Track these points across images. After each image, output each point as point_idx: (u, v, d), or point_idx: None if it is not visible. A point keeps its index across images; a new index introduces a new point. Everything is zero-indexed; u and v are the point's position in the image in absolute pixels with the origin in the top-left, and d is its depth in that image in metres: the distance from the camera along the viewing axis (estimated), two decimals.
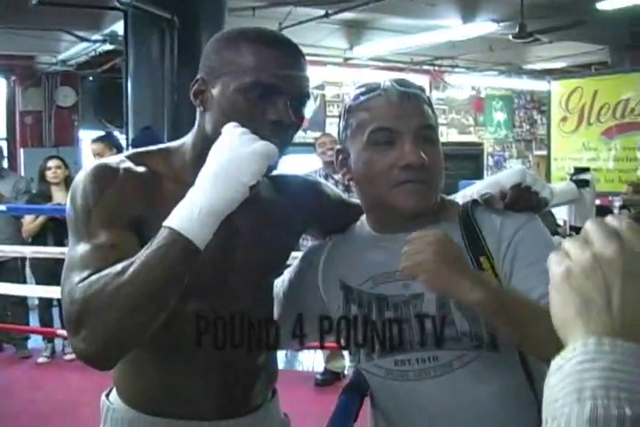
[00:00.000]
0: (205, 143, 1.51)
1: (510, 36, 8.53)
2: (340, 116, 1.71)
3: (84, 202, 1.50)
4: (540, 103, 14.74)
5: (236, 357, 1.63)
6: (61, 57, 10.31)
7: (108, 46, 9.22)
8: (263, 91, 1.48)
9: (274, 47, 1.51)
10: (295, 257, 1.93)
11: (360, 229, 1.77)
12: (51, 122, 11.15)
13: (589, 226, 0.80)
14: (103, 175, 1.52)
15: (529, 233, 1.60)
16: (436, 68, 12.94)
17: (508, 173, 1.74)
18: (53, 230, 6.43)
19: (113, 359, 1.42)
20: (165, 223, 1.36)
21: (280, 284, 1.87)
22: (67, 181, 6.49)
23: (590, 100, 10.40)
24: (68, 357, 6.30)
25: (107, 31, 8.65)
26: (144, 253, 1.36)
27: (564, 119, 10.79)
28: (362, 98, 1.63)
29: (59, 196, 6.45)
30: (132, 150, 1.69)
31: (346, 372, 5.60)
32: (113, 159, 1.59)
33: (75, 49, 9.76)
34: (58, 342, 6.62)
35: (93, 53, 9.77)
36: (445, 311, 1.58)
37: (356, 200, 1.85)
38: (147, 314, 1.37)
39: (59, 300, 6.23)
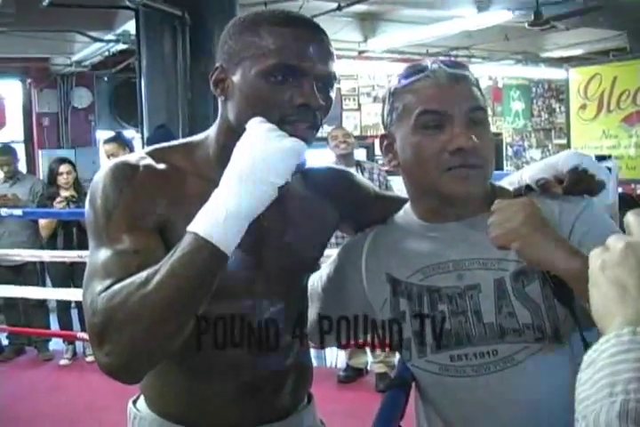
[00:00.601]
0: (229, 135, 1.46)
1: (526, 24, 8.41)
2: (383, 101, 1.64)
3: (103, 204, 1.43)
4: (559, 91, 14.59)
5: (263, 359, 1.58)
6: (75, 58, 10.32)
7: (122, 46, 9.21)
8: (287, 73, 1.40)
9: (294, 26, 1.43)
10: (328, 255, 1.84)
11: (405, 218, 1.70)
12: (67, 123, 11.19)
13: (629, 217, 0.78)
14: (123, 174, 1.46)
15: (590, 217, 1.55)
16: (452, 58, 12.84)
17: (564, 156, 1.65)
18: (64, 233, 6.42)
19: (140, 373, 1.36)
20: (190, 228, 1.29)
21: (317, 280, 1.79)
22: (74, 184, 6.51)
23: (610, 86, 10.28)
24: (90, 358, 6.29)
25: (119, 31, 8.64)
26: (168, 261, 1.28)
27: (584, 107, 10.67)
28: (408, 80, 1.57)
29: (65, 194, 6.47)
30: (151, 147, 1.62)
31: (369, 368, 5.56)
32: (132, 156, 1.53)
33: (89, 50, 9.76)
34: (79, 344, 6.61)
35: (107, 53, 9.77)
36: (505, 302, 1.52)
37: (389, 192, 1.78)
38: (174, 325, 1.30)
39: (77, 302, 6.26)
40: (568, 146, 11.11)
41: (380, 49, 10.91)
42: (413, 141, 1.53)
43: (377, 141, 1.61)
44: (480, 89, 1.59)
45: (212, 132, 1.56)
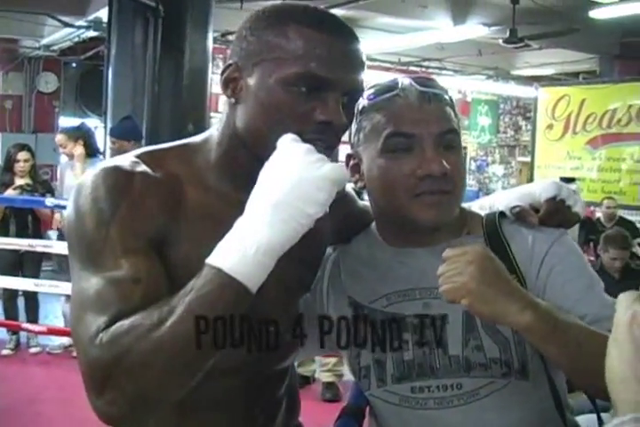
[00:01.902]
0: (234, 141, 1.30)
1: (500, 41, 8.47)
2: None
3: (96, 220, 1.21)
4: (526, 110, 14.73)
5: (259, 385, 1.45)
6: (44, 42, 10.22)
7: (93, 33, 9.12)
8: (313, 84, 1.22)
9: (328, 31, 1.24)
10: None
11: (369, 240, 1.61)
12: (31, 107, 11.07)
13: None
14: (116, 183, 1.24)
15: (563, 248, 1.49)
16: (423, 69, 12.88)
17: (543, 185, 1.58)
18: (16, 221, 6.30)
19: (143, 423, 1.24)
20: (212, 262, 1.11)
21: None
22: (31, 171, 6.39)
23: (577, 108, 10.40)
24: (33, 350, 6.18)
25: (91, 17, 8.56)
26: (185, 299, 1.11)
27: (550, 127, 10.78)
28: (377, 98, 1.46)
29: (20, 182, 6.34)
30: (143, 149, 1.39)
31: (316, 375, 5.51)
32: (124, 161, 1.29)
33: (58, 34, 9.66)
34: (23, 335, 6.49)
35: (77, 39, 9.67)
36: (473, 335, 1.45)
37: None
38: (190, 373, 1.14)
39: (24, 291, 6.14)
40: (532, 164, 11.22)
41: None
42: (381, 164, 1.44)
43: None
44: (454, 108, 1.52)
45: (213, 135, 1.37)
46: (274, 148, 1.20)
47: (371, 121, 1.46)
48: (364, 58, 1.29)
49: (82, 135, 6.15)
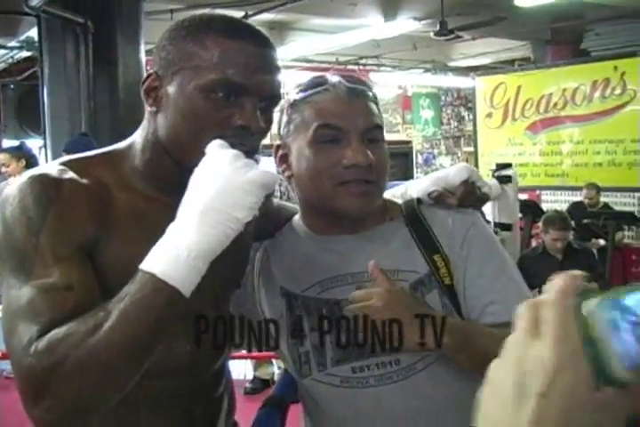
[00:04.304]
0: (157, 148, 1.34)
1: (432, 34, 8.54)
2: (280, 111, 1.60)
3: (25, 228, 1.21)
4: (467, 100, 14.87)
5: (198, 386, 1.47)
6: None
7: (26, 53, 9.05)
8: (229, 90, 1.27)
9: (243, 39, 1.29)
10: None
11: (295, 230, 1.68)
12: None
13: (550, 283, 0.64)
14: (45, 190, 1.24)
15: (479, 230, 1.60)
16: (361, 67, 12.94)
17: (455, 170, 1.68)
18: None
19: (81, 424, 1.21)
20: (145, 267, 1.13)
21: None
22: None
23: (514, 95, 10.56)
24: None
25: (23, 37, 8.48)
26: (120, 305, 1.12)
27: (490, 115, 10.93)
28: (307, 93, 1.55)
29: None
30: (67, 157, 1.41)
31: (275, 378, 5.53)
32: (50, 169, 1.30)
33: None
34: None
35: (11, 60, 9.58)
36: None
37: (287, 203, 1.77)
38: (127, 375, 1.16)
39: None
40: (475, 153, 11.36)
41: (288, 58, 10.95)
42: (309, 154, 1.52)
43: None
44: (378, 105, 1.60)
45: (137, 141, 1.40)
46: (196, 153, 1.24)
47: (301, 113, 1.55)
48: (279, 66, 1.36)
49: (23, 155, 6.16)
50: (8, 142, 10.50)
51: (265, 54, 1.33)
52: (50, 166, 1.33)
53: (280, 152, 1.60)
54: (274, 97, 1.35)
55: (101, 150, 1.45)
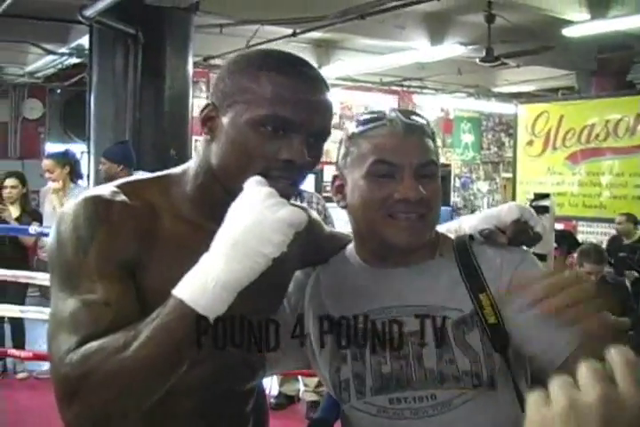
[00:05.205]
0: (209, 175, 1.40)
1: (477, 60, 8.56)
2: (340, 142, 1.65)
3: (74, 246, 1.31)
4: (509, 126, 14.84)
5: (223, 404, 1.52)
6: (29, 69, 10.26)
7: (76, 60, 9.18)
8: (278, 125, 1.32)
9: (295, 77, 1.35)
10: None
11: (348, 259, 1.72)
12: (16, 134, 11.09)
13: (582, 368, 0.67)
14: (96, 211, 1.34)
15: (528, 267, 1.59)
16: (405, 88, 12.98)
17: (507, 209, 1.69)
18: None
19: None
20: (176, 293, 1.20)
21: None
22: (22, 200, 6.43)
23: (556, 124, 10.50)
24: (20, 376, 6.20)
25: (74, 44, 8.61)
26: (150, 326, 1.19)
27: (530, 143, 10.88)
28: (365, 126, 1.59)
29: (14, 211, 6.36)
30: (125, 179, 1.50)
31: (300, 395, 5.54)
32: (105, 190, 1.39)
33: (42, 61, 9.72)
34: (9, 360, 6.50)
35: (60, 66, 9.73)
36: (446, 349, 1.54)
37: (338, 231, 1.80)
38: (151, 390, 1.23)
39: (10, 318, 6.15)
40: (514, 180, 11.30)
41: (333, 76, 11.01)
42: (363, 186, 1.56)
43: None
44: (434, 140, 1.63)
45: (191, 168, 1.46)
46: (242, 183, 1.29)
47: (358, 147, 1.59)
48: (331, 103, 1.40)
49: (68, 161, 6.22)
50: (51, 146, 10.66)
51: (316, 91, 1.37)
52: (104, 188, 1.40)
53: (337, 182, 1.65)
54: (323, 133, 1.39)
55: (158, 174, 1.51)
